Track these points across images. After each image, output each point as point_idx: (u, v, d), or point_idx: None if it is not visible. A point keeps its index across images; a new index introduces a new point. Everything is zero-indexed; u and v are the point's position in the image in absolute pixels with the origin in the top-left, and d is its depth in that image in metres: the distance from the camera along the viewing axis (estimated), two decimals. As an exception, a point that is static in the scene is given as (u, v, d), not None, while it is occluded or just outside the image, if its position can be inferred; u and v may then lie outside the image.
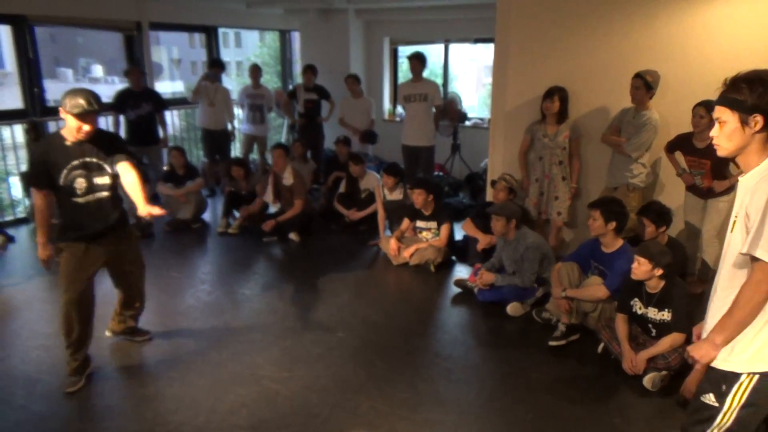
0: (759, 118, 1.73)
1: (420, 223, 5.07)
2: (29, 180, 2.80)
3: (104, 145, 3.01)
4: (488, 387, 3.22)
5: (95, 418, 2.87)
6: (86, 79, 27.97)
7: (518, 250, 4.10)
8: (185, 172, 6.00)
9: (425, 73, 6.17)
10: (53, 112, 6.66)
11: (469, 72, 23.65)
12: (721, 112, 1.82)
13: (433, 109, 6.14)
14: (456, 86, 16.40)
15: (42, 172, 2.91)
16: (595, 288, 3.53)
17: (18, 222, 6.00)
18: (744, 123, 1.76)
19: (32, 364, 3.33)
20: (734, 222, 1.83)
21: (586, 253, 3.79)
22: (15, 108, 6.13)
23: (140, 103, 6.25)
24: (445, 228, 4.94)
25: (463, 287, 4.41)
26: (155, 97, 6.49)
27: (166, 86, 23.33)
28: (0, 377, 3.20)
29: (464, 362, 3.46)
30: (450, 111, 6.81)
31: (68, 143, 2.92)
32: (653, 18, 4.32)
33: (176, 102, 8.21)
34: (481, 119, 8.05)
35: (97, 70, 27.93)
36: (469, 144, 7.40)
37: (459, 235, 5.23)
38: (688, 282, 4.12)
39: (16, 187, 6.95)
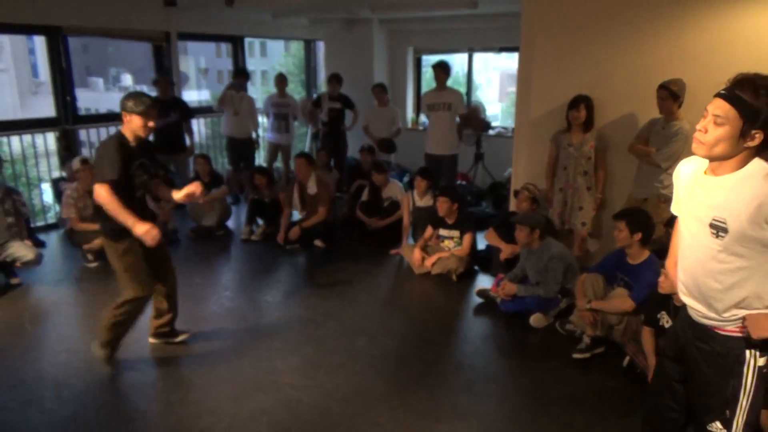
0: (759, 135, 1.62)
1: (443, 232, 5.06)
2: (105, 174, 2.99)
3: (148, 149, 3.35)
4: (510, 399, 3.18)
5: (120, 423, 2.90)
6: (116, 88, 28.63)
7: (542, 260, 4.06)
8: (210, 179, 6.09)
9: (449, 82, 6.17)
10: (84, 120, 6.85)
11: (492, 81, 23.60)
12: (720, 109, 1.67)
13: (457, 118, 6.13)
14: (480, 95, 16.36)
15: (117, 167, 3.04)
16: (621, 300, 3.47)
17: (48, 228, 6.14)
18: (743, 135, 1.63)
19: (60, 367, 3.40)
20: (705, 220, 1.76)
21: (611, 264, 3.73)
22: (48, 116, 6.30)
23: (168, 111, 6.36)
24: (467, 237, 4.92)
25: (486, 297, 4.37)
26: (182, 105, 6.61)
27: (192, 95, 23.73)
28: (28, 380, 3.27)
29: (486, 373, 3.42)
30: (473, 120, 6.80)
31: (132, 144, 3.15)
32: (681, 27, 4.26)
33: (202, 110, 8.35)
34: (505, 128, 8.01)
35: (127, 79, 28.56)
36: (493, 153, 7.37)
37: (482, 245, 5.20)
38: None
39: (47, 193, 7.13)
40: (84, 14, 6.15)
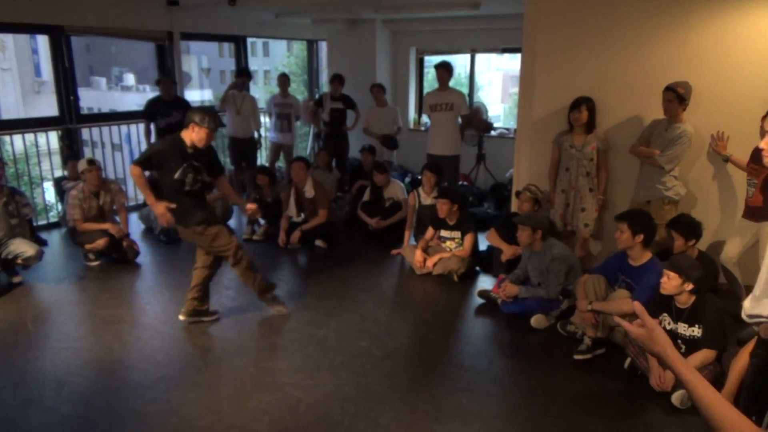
0: None
1: (444, 233, 5.05)
2: (138, 157, 3.58)
3: (209, 154, 3.76)
4: (511, 400, 3.18)
5: (121, 421, 2.91)
6: (118, 88, 28.69)
7: (544, 261, 4.05)
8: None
9: (451, 83, 6.17)
10: (87, 120, 6.86)
11: (495, 81, 23.59)
12: None
13: (459, 119, 6.13)
14: (482, 96, 16.35)
15: (151, 161, 3.57)
16: (622, 302, 3.46)
17: (50, 226, 6.15)
18: None
19: (61, 366, 3.40)
20: None
21: (613, 265, 3.72)
22: (50, 115, 6.31)
23: (170, 111, 6.38)
24: (469, 238, 4.91)
25: (487, 298, 4.37)
26: (185, 105, 6.61)
27: (195, 95, 23.78)
28: (29, 378, 3.27)
29: (487, 374, 3.42)
30: (475, 121, 6.79)
31: (188, 149, 3.55)
32: (685, 28, 4.25)
33: (205, 110, 8.35)
34: (507, 129, 8.01)
35: (130, 79, 28.60)
36: (495, 154, 7.36)
37: (483, 246, 5.20)
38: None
39: (50, 192, 7.14)
40: (87, 14, 6.16)
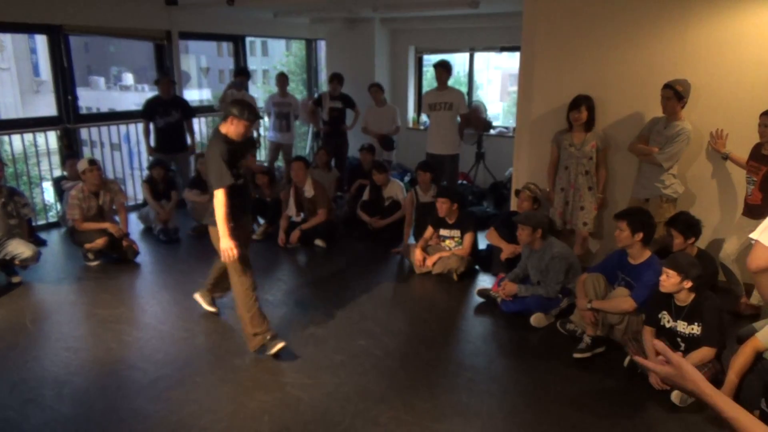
0: None
1: (443, 232, 5.05)
2: (222, 180, 3.33)
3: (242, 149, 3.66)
4: (511, 399, 3.18)
5: (120, 422, 2.91)
6: (117, 87, 28.65)
7: (544, 260, 4.06)
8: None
9: (450, 82, 6.17)
10: (86, 119, 6.85)
11: (494, 80, 23.57)
12: None
13: (458, 118, 6.13)
14: (481, 95, 16.34)
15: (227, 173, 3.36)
16: (622, 300, 3.47)
17: (50, 226, 6.14)
18: None
19: (61, 366, 3.40)
20: None
21: (612, 264, 3.72)
22: (49, 115, 6.30)
23: (169, 110, 6.37)
24: (468, 237, 4.91)
25: (486, 297, 4.37)
26: (184, 105, 6.61)
27: (194, 94, 23.75)
28: (29, 378, 3.27)
29: (487, 373, 3.42)
30: (475, 120, 6.79)
31: (235, 139, 3.46)
32: (683, 27, 4.25)
33: (204, 110, 8.35)
34: (506, 128, 8.01)
35: (128, 78, 28.56)
36: (494, 153, 7.36)
37: (483, 245, 5.20)
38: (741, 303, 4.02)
39: (49, 191, 7.14)
40: (85, 13, 6.15)
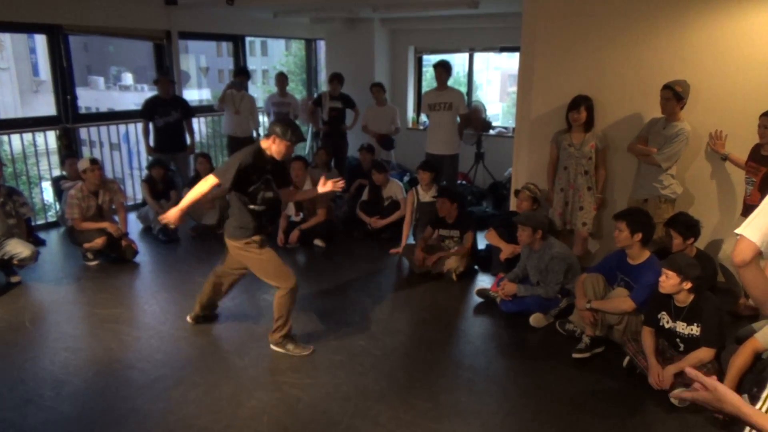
0: None
1: (443, 232, 5.06)
2: (219, 174, 3.34)
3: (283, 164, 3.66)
4: (510, 399, 3.18)
5: (120, 421, 2.90)
6: (116, 87, 28.64)
7: (543, 260, 4.06)
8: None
9: (450, 82, 6.17)
10: (85, 119, 6.85)
11: (493, 81, 23.59)
12: None
13: (458, 118, 6.13)
14: (480, 95, 16.35)
15: (240, 177, 3.32)
16: (621, 300, 3.47)
17: (49, 226, 6.14)
18: None
19: (60, 365, 3.40)
20: None
21: (611, 264, 3.73)
22: (48, 115, 6.30)
23: (169, 110, 6.37)
24: (468, 237, 4.92)
25: (486, 297, 4.37)
26: (183, 104, 6.61)
27: (193, 94, 23.75)
28: (28, 378, 3.27)
29: (486, 373, 3.42)
30: (474, 120, 6.79)
31: (268, 163, 3.46)
32: (682, 27, 4.26)
33: (203, 109, 8.36)
34: (506, 128, 8.01)
35: (128, 78, 28.55)
36: (493, 153, 7.37)
37: (482, 245, 5.20)
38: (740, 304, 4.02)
39: (48, 191, 7.13)
40: (85, 13, 6.14)
